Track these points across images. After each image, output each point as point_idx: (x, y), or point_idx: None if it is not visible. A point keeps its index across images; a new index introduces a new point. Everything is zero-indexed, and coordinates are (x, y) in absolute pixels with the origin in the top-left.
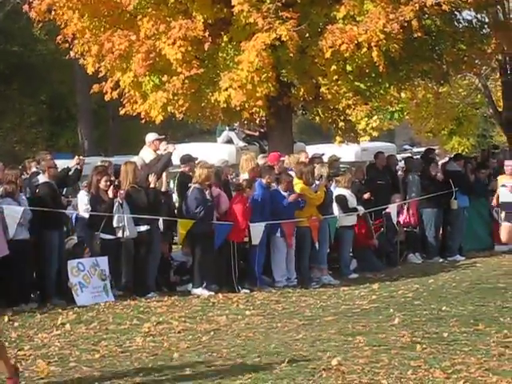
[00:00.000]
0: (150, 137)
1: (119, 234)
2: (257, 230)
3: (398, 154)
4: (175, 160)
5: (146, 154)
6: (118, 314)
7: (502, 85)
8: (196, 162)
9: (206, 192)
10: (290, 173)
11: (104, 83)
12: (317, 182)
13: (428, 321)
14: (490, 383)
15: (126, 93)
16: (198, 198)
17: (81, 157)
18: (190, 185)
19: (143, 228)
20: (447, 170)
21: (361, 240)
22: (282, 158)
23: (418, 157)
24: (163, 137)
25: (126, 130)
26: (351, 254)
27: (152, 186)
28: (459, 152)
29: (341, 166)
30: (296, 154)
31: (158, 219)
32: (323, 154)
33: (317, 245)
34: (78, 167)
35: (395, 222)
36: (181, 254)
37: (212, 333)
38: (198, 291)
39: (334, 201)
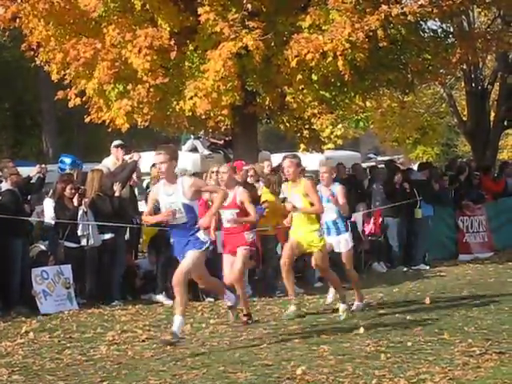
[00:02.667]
0: (115, 145)
1: (83, 242)
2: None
3: (362, 162)
4: (142, 167)
5: (110, 162)
6: (82, 323)
7: (467, 94)
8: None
9: None
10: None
11: (69, 90)
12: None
13: (392, 330)
14: None
15: (91, 100)
16: None
17: (43, 165)
18: (150, 188)
19: (107, 236)
20: (412, 179)
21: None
22: (245, 167)
23: (383, 165)
24: (128, 146)
25: (90, 137)
26: None
27: (117, 194)
28: (424, 161)
29: (306, 174)
30: (260, 163)
31: (123, 227)
32: None
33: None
34: (41, 175)
35: (360, 231)
36: (147, 262)
37: (176, 341)
38: (160, 298)
39: None
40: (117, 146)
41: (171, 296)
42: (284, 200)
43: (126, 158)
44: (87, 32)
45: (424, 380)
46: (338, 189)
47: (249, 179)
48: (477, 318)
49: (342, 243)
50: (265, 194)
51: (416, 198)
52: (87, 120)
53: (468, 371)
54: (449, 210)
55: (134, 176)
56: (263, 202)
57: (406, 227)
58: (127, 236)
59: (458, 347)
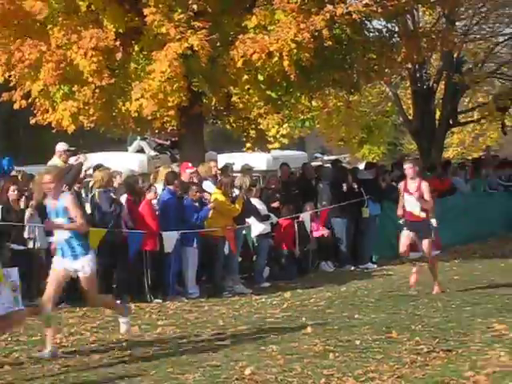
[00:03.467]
0: (60, 147)
1: (30, 245)
2: (169, 238)
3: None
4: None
5: (58, 164)
6: (30, 325)
7: (412, 93)
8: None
9: (111, 194)
10: (207, 182)
11: (14, 92)
12: (235, 192)
13: (340, 329)
14: None
15: (37, 102)
16: (108, 198)
17: None
18: (93, 191)
19: (54, 238)
20: (358, 178)
21: (280, 245)
22: (188, 170)
23: (329, 165)
24: (73, 148)
25: (36, 139)
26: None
27: None
28: (370, 160)
29: (253, 174)
30: (207, 164)
31: None
32: (233, 164)
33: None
34: None
35: (309, 231)
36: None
37: (124, 343)
38: None
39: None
40: (65, 151)
41: (120, 297)
42: (235, 200)
43: (73, 159)
44: (32, 33)
45: (372, 378)
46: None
47: (195, 179)
48: (424, 316)
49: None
50: (215, 194)
51: (363, 197)
52: (33, 122)
53: (416, 369)
54: (395, 207)
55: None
56: (211, 203)
57: (353, 226)
58: None
59: (406, 345)
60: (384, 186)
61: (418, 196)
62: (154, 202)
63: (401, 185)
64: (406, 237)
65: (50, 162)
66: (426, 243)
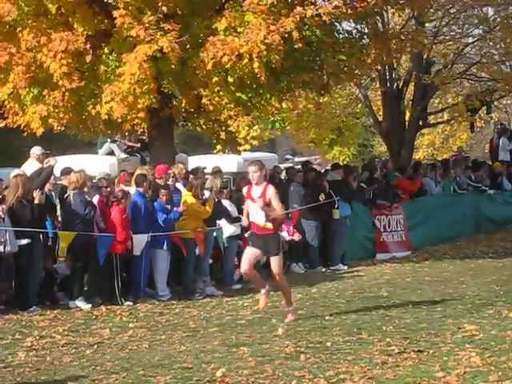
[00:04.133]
0: (36, 150)
1: (0, 249)
2: (139, 241)
3: (279, 163)
4: (58, 172)
5: (31, 168)
6: (0, 329)
7: (382, 95)
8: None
9: (86, 196)
10: (178, 184)
11: None
12: (206, 194)
13: (311, 330)
14: None
15: (6, 105)
16: (82, 200)
17: None
18: (68, 192)
19: (24, 241)
20: (327, 179)
21: None
22: (169, 171)
23: (300, 167)
24: (48, 152)
25: (5, 142)
26: (235, 264)
27: (37, 201)
28: (340, 161)
29: (223, 176)
30: (177, 165)
31: (40, 233)
32: (205, 168)
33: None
34: None
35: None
36: (64, 267)
37: (95, 346)
38: (78, 304)
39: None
40: (42, 154)
41: (88, 301)
42: (205, 203)
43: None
44: (1, 36)
45: (343, 380)
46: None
47: (169, 181)
48: (395, 317)
49: None
50: (185, 196)
51: (333, 199)
52: (2, 125)
53: (387, 370)
54: (366, 209)
55: (52, 180)
56: (183, 205)
57: (323, 228)
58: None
59: (377, 346)
60: (354, 186)
61: (262, 204)
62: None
63: (244, 190)
64: (248, 254)
65: (25, 165)
66: (274, 261)
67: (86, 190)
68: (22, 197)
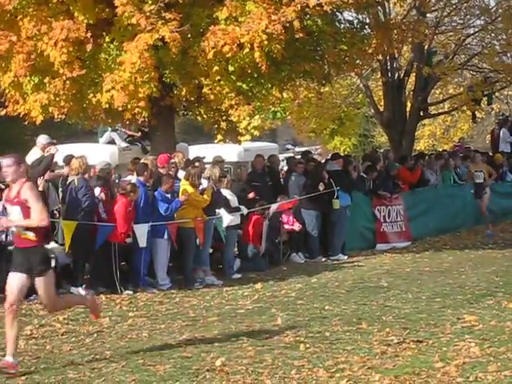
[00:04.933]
0: (41, 140)
1: (2, 238)
2: (141, 232)
3: (280, 153)
4: (59, 160)
5: (34, 157)
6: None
7: (383, 85)
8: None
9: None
10: (181, 173)
11: None
12: (204, 183)
13: (311, 320)
14: (372, 381)
15: (7, 93)
16: (86, 185)
17: None
18: (70, 178)
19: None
20: (327, 169)
21: (247, 239)
22: (172, 160)
23: (300, 157)
24: (55, 141)
25: (6, 131)
26: (235, 254)
27: (41, 188)
28: (341, 151)
29: (224, 166)
30: (178, 154)
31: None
32: (204, 157)
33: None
34: None
35: (269, 214)
36: (64, 256)
37: (95, 335)
38: (77, 291)
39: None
40: (48, 144)
41: (90, 288)
42: (203, 192)
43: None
44: (2, 24)
45: (343, 369)
46: None
47: (171, 171)
48: (395, 308)
49: None
50: (184, 186)
51: (333, 189)
52: (3, 113)
53: (386, 360)
54: (366, 199)
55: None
56: (183, 194)
57: (324, 218)
58: None
59: (376, 336)
60: (355, 176)
61: (20, 207)
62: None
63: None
64: (13, 283)
65: (30, 154)
66: (40, 284)
67: (87, 176)
68: None
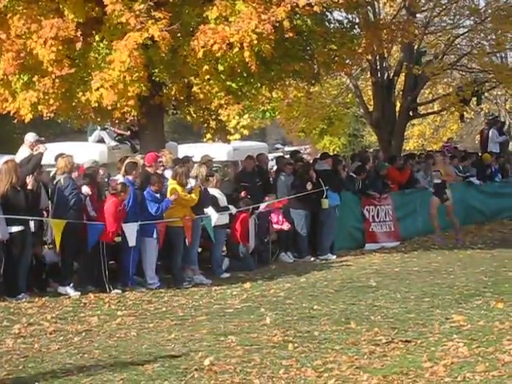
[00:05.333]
0: (29, 137)
1: None
2: (131, 231)
3: (269, 153)
4: (48, 159)
5: (23, 155)
6: None
7: (373, 85)
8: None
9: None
10: (166, 173)
11: None
12: (192, 182)
13: (300, 320)
14: (360, 381)
15: None
16: (73, 184)
17: None
18: (56, 178)
19: (15, 229)
20: (316, 169)
21: (236, 239)
22: (159, 159)
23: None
24: (43, 138)
25: None
26: (224, 254)
27: (30, 187)
28: (330, 151)
29: (213, 165)
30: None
31: (31, 220)
32: (193, 156)
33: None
34: None
35: (256, 212)
36: (52, 254)
37: (84, 333)
38: (66, 290)
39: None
40: (36, 141)
41: (78, 287)
42: (191, 191)
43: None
44: None
45: (331, 369)
46: None
47: (159, 170)
48: (383, 307)
49: None
50: (172, 185)
51: (322, 188)
52: None
53: (374, 360)
54: (355, 199)
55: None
56: (171, 193)
57: (313, 217)
58: (33, 228)
59: (365, 336)
60: (344, 175)
61: None
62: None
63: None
64: None
65: (18, 152)
66: None
67: (73, 175)
68: (16, 183)
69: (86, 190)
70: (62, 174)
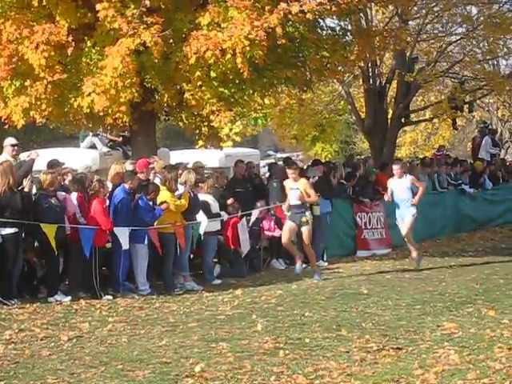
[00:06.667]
0: (6, 142)
1: None
2: (123, 234)
3: (261, 159)
4: (40, 165)
5: (4, 159)
6: None
7: (365, 92)
8: (62, 166)
9: (52, 199)
10: (157, 179)
11: None
12: (181, 188)
13: (291, 326)
14: None
15: None
16: (46, 202)
17: None
18: (36, 192)
19: (9, 230)
20: (307, 176)
21: (228, 245)
22: (151, 165)
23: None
24: (17, 143)
25: None
26: (216, 260)
27: (26, 189)
28: (319, 158)
29: (205, 171)
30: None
31: (25, 223)
32: (188, 163)
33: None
34: None
35: (250, 224)
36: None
37: (74, 340)
38: (56, 298)
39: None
40: (12, 145)
41: (69, 293)
42: (181, 197)
43: (25, 155)
44: None
45: (322, 376)
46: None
47: (151, 176)
48: (374, 314)
49: None
50: (161, 191)
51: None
52: None
53: (366, 367)
54: (347, 206)
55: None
56: (161, 203)
57: None
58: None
59: (356, 343)
60: (335, 182)
61: None
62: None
63: None
64: None
65: (0, 157)
66: None
67: (52, 189)
68: (12, 184)
69: (75, 197)
70: (39, 188)
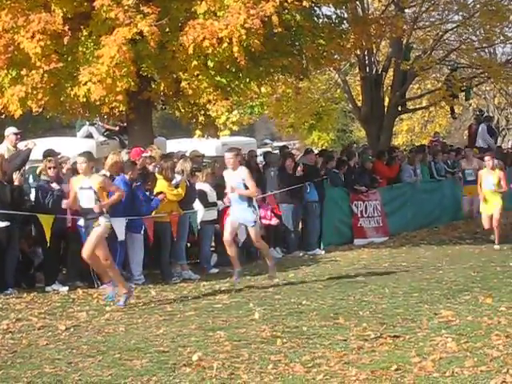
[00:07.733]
0: (8, 131)
1: None
2: (119, 225)
3: (258, 148)
4: (37, 155)
5: (4, 149)
6: None
7: (361, 80)
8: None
9: (52, 184)
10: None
11: None
12: (178, 177)
13: (288, 315)
14: (349, 376)
15: None
16: (44, 188)
17: None
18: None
19: (2, 224)
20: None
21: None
22: (144, 154)
23: (277, 151)
24: (20, 131)
25: None
26: (213, 249)
27: (17, 182)
28: (312, 147)
29: (204, 160)
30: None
31: (18, 215)
32: (186, 151)
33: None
34: None
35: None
36: (39, 252)
37: (72, 329)
38: (53, 288)
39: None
40: (15, 134)
41: (66, 283)
42: (177, 186)
43: (22, 145)
44: None
45: (319, 364)
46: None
47: (149, 167)
48: (372, 303)
49: None
50: (158, 180)
51: (304, 183)
52: None
53: (363, 355)
54: (343, 194)
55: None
56: (158, 193)
57: (300, 212)
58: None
59: (353, 331)
60: (323, 172)
61: None
62: None
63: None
64: None
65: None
66: None
67: (45, 178)
68: (2, 177)
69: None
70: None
